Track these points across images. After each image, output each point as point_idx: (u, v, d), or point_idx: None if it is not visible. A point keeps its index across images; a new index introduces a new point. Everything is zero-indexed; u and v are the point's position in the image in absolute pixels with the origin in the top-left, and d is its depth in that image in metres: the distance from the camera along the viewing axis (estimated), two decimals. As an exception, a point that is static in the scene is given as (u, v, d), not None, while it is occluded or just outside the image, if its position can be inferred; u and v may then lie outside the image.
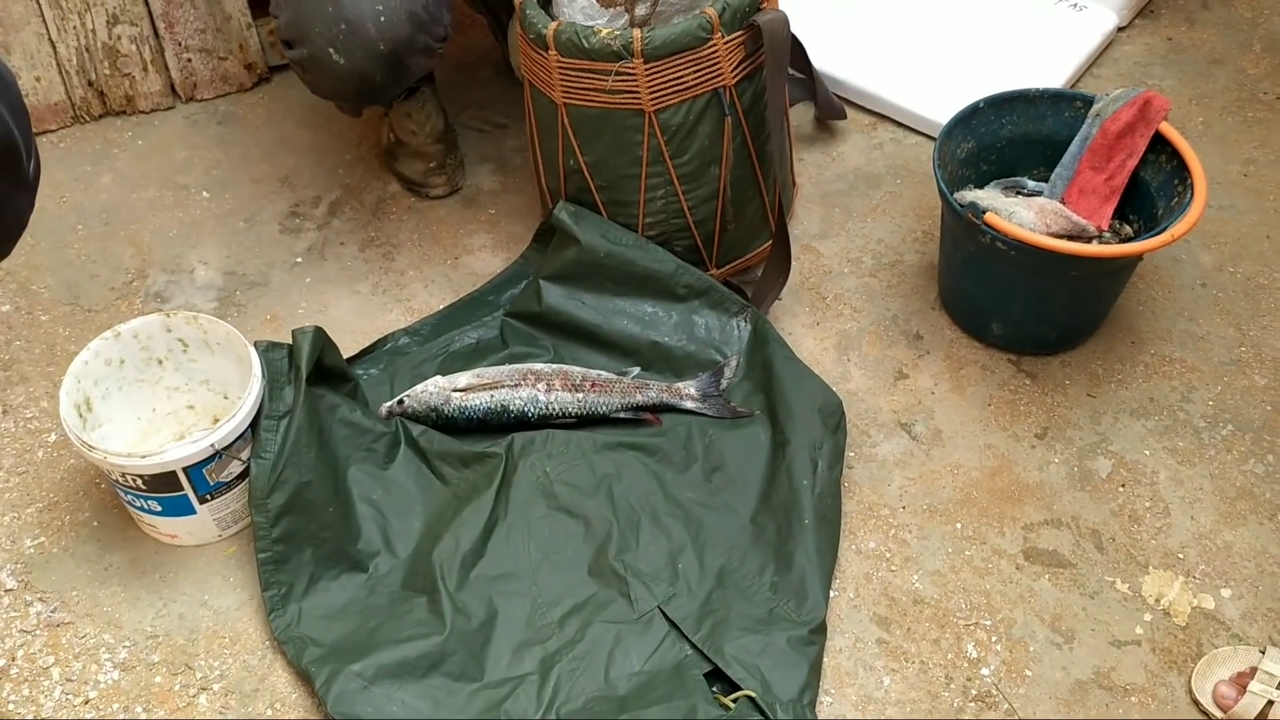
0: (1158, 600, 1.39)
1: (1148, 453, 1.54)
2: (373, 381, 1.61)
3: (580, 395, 1.54)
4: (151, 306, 1.72)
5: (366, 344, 1.66)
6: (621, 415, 1.55)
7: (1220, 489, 1.49)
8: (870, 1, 2.12)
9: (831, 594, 1.40)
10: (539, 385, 1.53)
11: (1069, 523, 1.47)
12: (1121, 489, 1.50)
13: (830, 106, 1.93)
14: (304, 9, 1.52)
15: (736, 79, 1.53)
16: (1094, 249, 1.48)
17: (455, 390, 1.53)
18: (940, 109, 1.89)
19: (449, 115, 1.85)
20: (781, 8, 1.59)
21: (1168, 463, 1.52)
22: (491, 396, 1.53)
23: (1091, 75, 2.06)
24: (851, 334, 1.69)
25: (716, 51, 1.49)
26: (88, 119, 1.99)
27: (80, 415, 1.38)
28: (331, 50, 1.52)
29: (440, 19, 1.57)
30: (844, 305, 1.72)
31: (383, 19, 1.51)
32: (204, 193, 1.88)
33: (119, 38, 1.92)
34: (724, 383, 1.58)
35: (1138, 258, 1.56)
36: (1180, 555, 1.43)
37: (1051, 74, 1.98)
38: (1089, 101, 1.62)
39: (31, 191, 0.91)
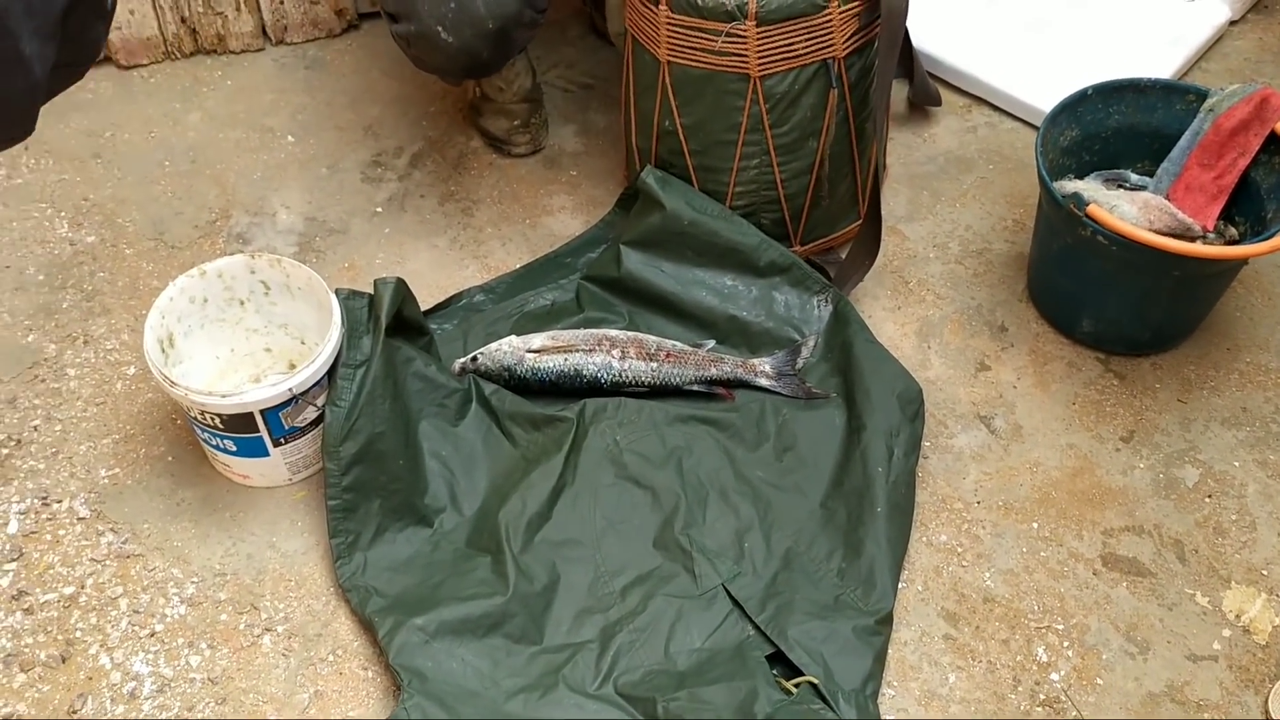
0: (1238, 616, 1.35)
1: (1237, 464, 1.49)
2: (446, 337, 1.61)
3: (654, 365, 1.52)
4: (233, 247, 1.72)
5: (442, 299, 1.65)
6: (695, 388, 1.53)
7: (1311, 507, 1.45)
8: (974, -20, 2.06)
9: (900, 585, 1.37)
10: (614, 352, 1.52)
11: (1151, 531, 1.42)
12: (1208, 499, 1.45)
13: (926, 92, 1.88)
14: None
15: (847, 51, 1.49)
16: (1199, 249, 1.42)
17: (529, 351, 1.52)
18: (1040, 95, 1.84)
19: (537, 73, 1.83)
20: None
21: (1257, 475, 1.47)
22: (565, 360, 1.51)
23: (1200, 69, 1.99)
24: (934, 321, 1.65)
25: (831, 21, 1.45)
26: (179, 56, 1.99)
27: (163, 350, 1.38)
28: (440, 28, 1.50)
29: None
30: (927, 291, 1.68)
31: None
32: (289, 137, 1.88)
33: (214, -24, 1.92)
34: (800, 362, 1.55)
35: (1242, 262, 1.50)
36: (1264, 572, 1.39)
37: (1158, 65, 1.91)
38: (1202, 95, 1.56)
39: (108, 20, 1.01)
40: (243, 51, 2.01)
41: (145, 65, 1.98)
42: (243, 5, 1.96)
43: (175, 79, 1.97)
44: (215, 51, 2.00)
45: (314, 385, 1.35)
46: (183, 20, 1.96)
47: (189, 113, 1.92)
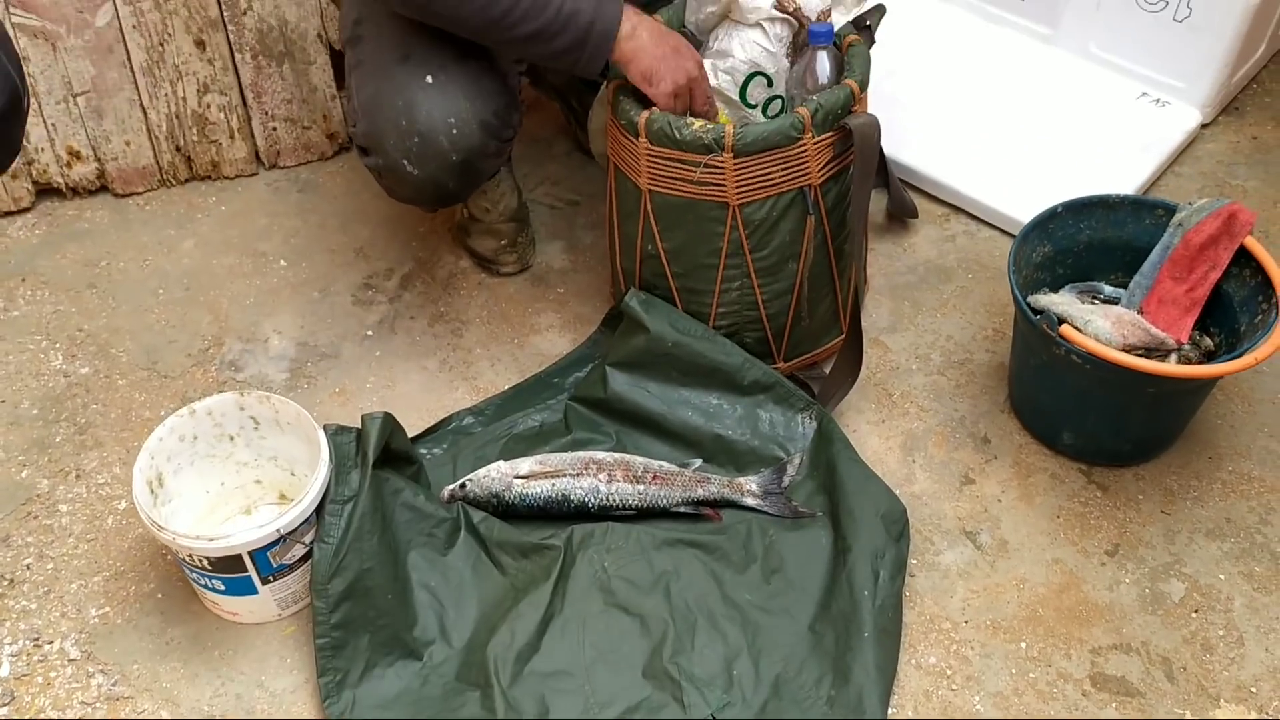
0: (1229, 736, 1.35)
1: (1223, 577, 1.49)
2: (436, 462, 1.62)
3: (641, 487, 1.53)
4: (226, 375, 1.75)
5: (432, 421, 1.67)
6: (682, 509, 1.54)
7: (1298, 619, 1.45)
8: (947, 91, 2.11)
9: (890, 710, 1.37)
10: (600, 475, 1.53)
11: (1139, 648, 1.43)
12: (1194, 614, 1.46)
13: (903, 204, 1.92)
14: (378, 121, 1.54)
15: (823, 179, 1.53)
16: (1172, 369, 1.45)
17: (517, 476, 1.53)
18: (1017, 203, 1.88)
19: (522, 192, 1.87)
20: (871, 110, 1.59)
21: (1243, 588, 1.48)
22: (553, 485, 1.53)
23: (1173, 173, 2.03)
24: (918, 434, 1.66)
25: (806, 151, 1.49)
26: (174, 183, 2.04)
27: (152, 492, 1.40)
28: (405, 162, 1.54)
29: (509, 121, 1.60)
30: (910, 403, 1.70)
31: (455, 131, 1.53)
32: (282, 261, 1.92)
33: (208, 106, 1.98)
34: (786, 480, 1.56)
35: (1218, 377, 1.52)
36: (1253, 689, 1.39)
37: (1132, 171, 1.96)
38: (1171, 210, 1.60)
39: (25, 120, 1.12)
40: (236, 177, 2.06)
41: (141, 193, 2.02)
42: (236, 133, 2.01)
43: (170, 206, 2.01)
44: (210, 178, 2.05)
45: (302, 524, 1.36)
46: (178, 149, 2.01)
47: (184, 240, 1.96)
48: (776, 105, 1.60)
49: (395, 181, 1.60)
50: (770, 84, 1.58)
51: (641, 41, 1.48)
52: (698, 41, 1.63)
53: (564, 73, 1.45)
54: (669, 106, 1.50)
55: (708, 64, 1.57)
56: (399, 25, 1.55)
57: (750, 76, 1.56)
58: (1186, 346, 1.56)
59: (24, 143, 1.12)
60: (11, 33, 1.82)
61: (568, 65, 1.49)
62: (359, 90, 1.59)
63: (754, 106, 1.56)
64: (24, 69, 1.09)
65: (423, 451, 1.62)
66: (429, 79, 1.52)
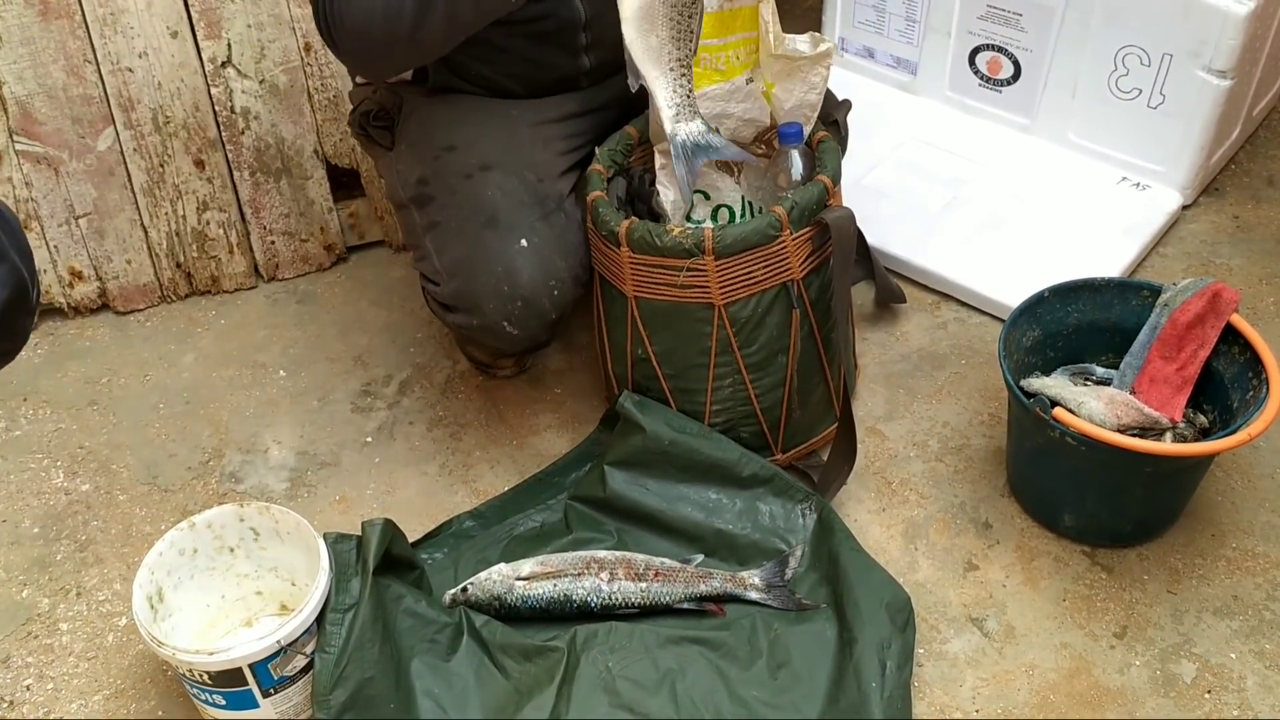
0: (1252, 821, 1.32)
1: (1234, 655, 1.48)
2: (437, 566, 1.62)
3: (644, 585, 1.53)
4: (226, 487, 1.75)
5: (432, 525, 1.67)
6: (685, 605, 1.53)
7: (1313, 697, 1.43)
8: (932, 183, 2.15)
9: (903, 805, 1.34)
10: (602, 574, 1.53)
11: (1153, 732, 1.41)
12: (1207, 695, 1.44)
13: (889, 290, 1.95)
14: (476, 285, 1.57)
15: (804, 272, 1.56)
16: (1167, 448, 1.45)
17: (519, 579, 1.53)
18: (1005, 289, 1.90)
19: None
20: (845, 193, 1.63)
21: (1255, 667, 1.46)
22: (555, 585, 1.52)
23: (1158, 254, 2.06)
24: (919, 521, 1.66)
25: (785, 247, 1.52)
26: (174, 299, 2.07)
27: (152, 607, 1.40)
28: (506, 324, 1.58)
29: (589, 265, 1.65)
30: (910, 491, 1.70)
31: (555, 291, 1.58)
32: (281, 371, 1.94)
33: (208, 223, 2.02)
34: (789, 573, 1.56)
35: (1214, 454, 1.53)
36: (1273, 770, 1.36)
37: (1116, 254, 1.99)
38: (1156, 291, 1.62)
39: (34, 315, 1.12)
40: (236, 290, 2.09)
41: (142, 310, 2.05)
42: (235, 248, 2.05)
43: (171, 321, 2.04)
44: (209, 292, 2.08)
45: (303, 634, 1.36)
46: (178, 265, 2.05)
47: (184, 354, 1.98)
48: (725, 214, 1.64)
49: (489, 337, 1.63)
50: (708, 197, 1.62)
51: None
52: None
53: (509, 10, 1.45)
54: None
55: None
56: (472, 185, 1.60)
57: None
58: (1181, 425, 1.57)
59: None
60: (15, 160, 1.87)
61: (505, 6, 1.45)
62: (441, 253, 1.62)
63: (700, 223, 1.59)
64: (34, 262, 1.11)
65: (424, 556, 1.62)
66: (523, 243, 1.57)
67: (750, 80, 1.60)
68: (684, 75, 1.31)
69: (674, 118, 1.33)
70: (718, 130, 1.45)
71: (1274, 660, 1.47)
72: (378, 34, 1.44)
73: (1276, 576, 1.56)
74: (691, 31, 1.30)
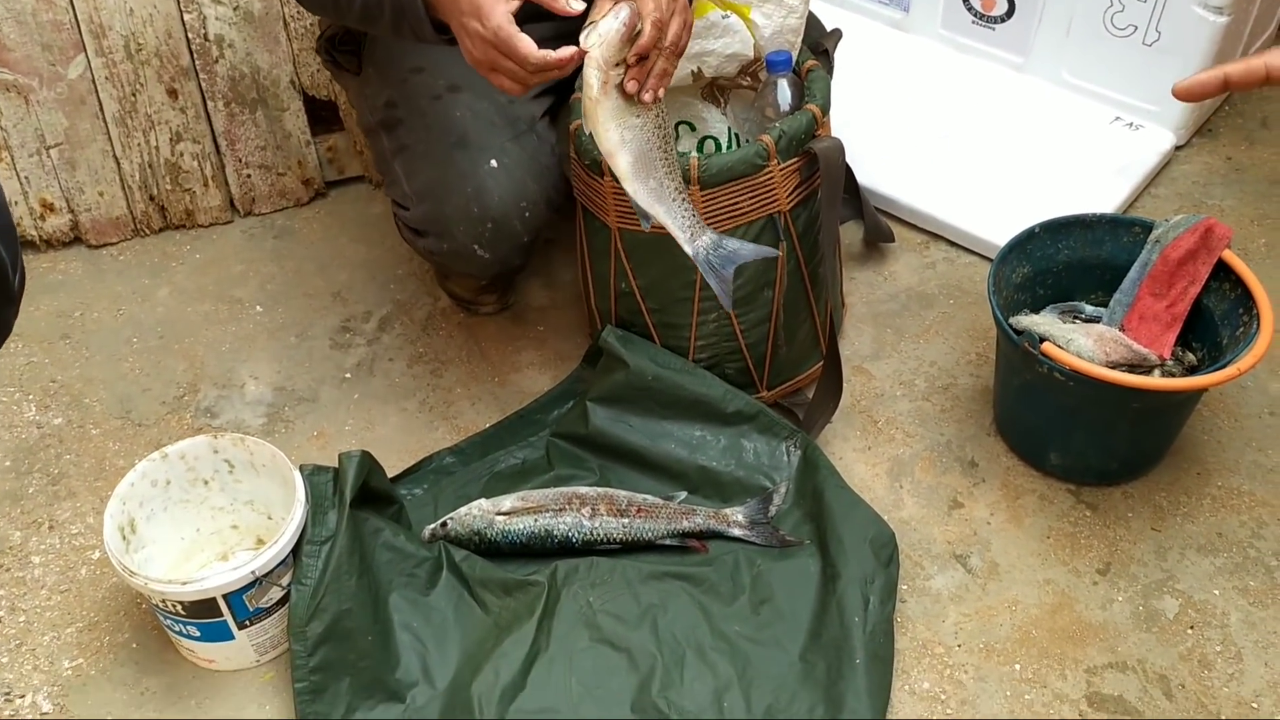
0: (1232, 754, 1.32)
1: (1217, 592, 1.47)
2: (417, 502, 1.60)
3: (625, 521, 1.51)
4: (201, 422, 1.72)
5: (412, 462, 1.65)
6: (668, 542, 1.52)
7: (1296, 633, 1.43)
8: (922, 121, 2.12)
9: (884, 738, 1.34)
10: (584, 510, 1.51)
11: (1135, 666, 1.40)
12: (1190, 631, 1.43)
13: (878, 229, 1.92)
14: (445, 208, 1.54)
15: (791, 204, 1.53)
16: (1155, 382, 1.44)
17: (499, 513, 1.51)
18: (995, 228, 1.87)
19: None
20: (835, 132, 1.59)
21: (1239, 603, 1.46)
22: (535, 521, 1.50)
23: (1150, 195, 2.04)
24: (904, 460, 1.65)
25: (772, 178, 1.49)
26: (148, 233, 2.03)
27: (124, 538, 1.37)
28: (476, 246, 1.55)
29: (564, 191, 1.61)
30: (896, 429, 1.69)
31: (527, 214, 1.55)
32: (257, 307, 1.90)
33: (181, 154, 1.97)
34: (773, 510, 1.54)
35: (1202, 390, 1.51)
36: (1254, 705, 1.36)
37: (1108, 194, 1.96)
38: (1148, 227, 1.60)
39: (16, 303, 1.01)
40: (211, 225, 2.05)
41: (115, 244, 2.01)
42: (210, 181, 2.01)
43: (144, 255, 2.00)
44: (184, 226, 2.04)
45: (278, 565, 1.34)
46: (151, 198, 2.00)
47: (158, 288, 1.94)
48: (711, 145, 1.60)
49: (460, 262, 1.60)
50: (694, 128, 1.59)
51: None
52: None
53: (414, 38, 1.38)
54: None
55: None
56: (441, 106, 1.56)
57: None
58: (1169, 362, 1.55)
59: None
60: None
61: (405, 33, 1.39)
62: (410, 176, 1.59)
63: (686, 154, 1.55)
64: (19, 250, 1.00)
65: (403, 492, 1.60)
66: (493, 163, 1.53)
67: (725, 16, 1.55)
68: (685, 198, 1.36)
69: (689, 240, 1.37)
70: (727, 235, 1.45)
71: (1257, 597, 1.46)
72: None
73: (1261, 514, 1.55)
74: (675, 157, 1.35)
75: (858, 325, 1.84)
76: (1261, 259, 1.90)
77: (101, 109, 1.90)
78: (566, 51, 1.25)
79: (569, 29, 1.37)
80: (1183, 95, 1.18)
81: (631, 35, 1.27)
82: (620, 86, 1.28)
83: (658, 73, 1.30)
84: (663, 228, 1.36)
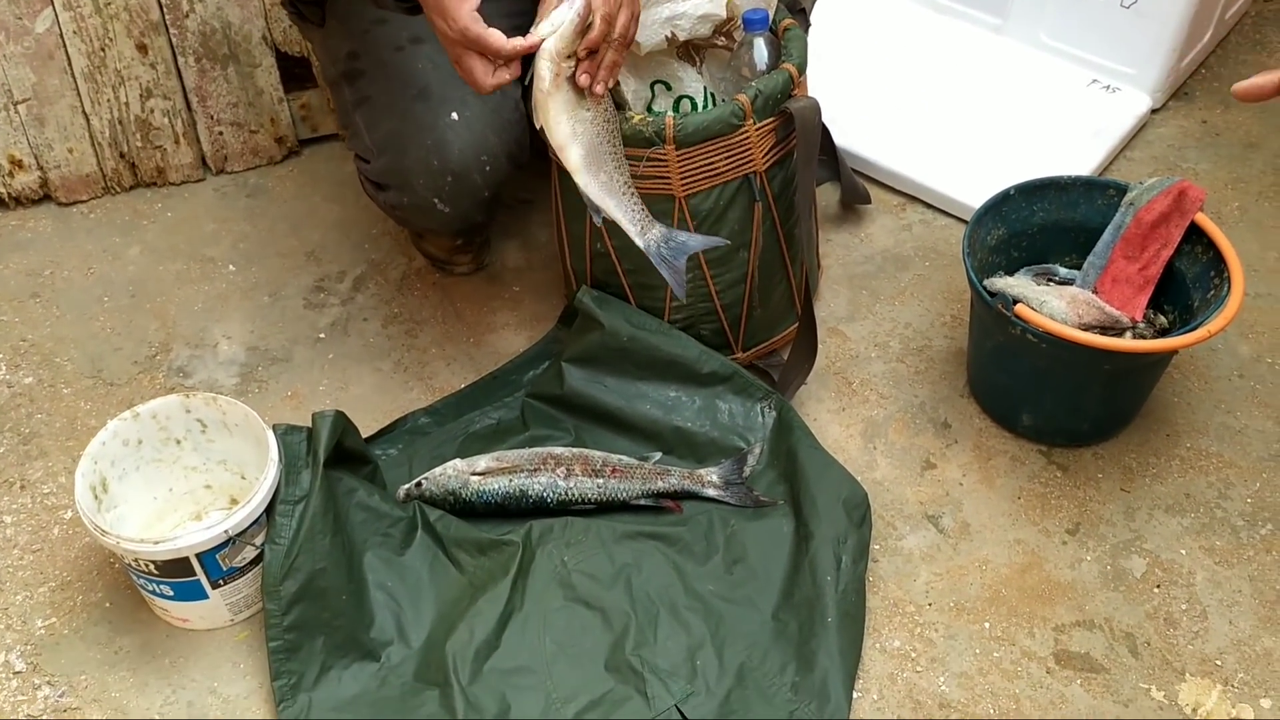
0: (1195, 710, 1.34)
1: (1184, 552, 1.49)
2: (391, 462, 1.60)
3: (600, 481, 1.51)
4: (174, 381, 1.71)
5: (387, 423, 1.64)
6: (642, 502, 1.52)
7: (1260, 592, 1.45)
8: (899, 82, 2.11)
9: (855, 695, 1.35)
10: (558, 470, 1.51)
11: (1102, 624, 1.42)
12: (1156, 590, 1.45)
13: (855, 191, 1.91)
14: (405, 160, 1.53)
15: (767, 165, 1.52)
16: (1126, 344, 1.45)
17: (474, 474, 1.51)
18: (971, 191, 1.88)
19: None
20: (812, 93, 1.59)
21: (1205, 563, 1.48)
22: (510, 481, 1.51)
23: (1125, 158, 2.04)
24: (878, 421, 1.65)
25: (748, 138, 1.48)
26: (118, 190, 2.01)
27: (96, 497, 1.37)
28: (437, 200, 1.53)
29: (527, 146, 1.60)
30: (870, 391, 1.69)
31: (488, 168, 1.53)
32: (230, 266, 1.89)
33: (152, 111, 1.94)
34: (747, 470, 1.55)
35: (1172, 351, 1.52)
36: (1218, 662, 1.38)
37: (1084, 157, 1.96)
38: (1122, 190, 1.60)
39: None
40: (183, 183, 2.02)
41: (85, 201, 1.99)
42: (181, 138, 1.98)
43: (115, 213, 1.98)
44: (155, 184, 2.02)
45: (251, 525, 1.33)
46: (121, 155, 1.97)
47: (129, 247, 1.92)
48: (687, 105, 1.59)
49: (422, 219, 1.59)
50: (670, 88, 1.58)
51: None
52: None
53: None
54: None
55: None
56: (403, 58, 1.54)
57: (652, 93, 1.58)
58: (1141, 324, 1.57)
59: None
60: None
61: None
62: (372, 128, 1.57)
63: (661, 113, 1.54)
64: None
65: (378, 452, 1.60)
66: (454, 116, 1.51)
67: None
68: (634, 192, 1.40)
69: (640, 233, 1.41)
70: (674, 225, 1.49)
71: (1223, 556, 1.48)
72: None
73: (1228, 475, 1.57)
74: (623, 151, 1.39)
75: (833, 287, 1.84)
76: (1235, 222, 1.91)
77: (70, 64, 1.87)
78: (523, 41, 1.28)
79: (520, 9, 1.37)
80: (1242, 97, 1.19)
81: (584, 27, 1.28)
82: (571, 79, 1.31)
83: (608, 65, 1.33)
84: (614, 221, 1.40)
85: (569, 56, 1.30)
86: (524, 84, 1.36)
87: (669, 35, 1.51)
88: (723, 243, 1.49)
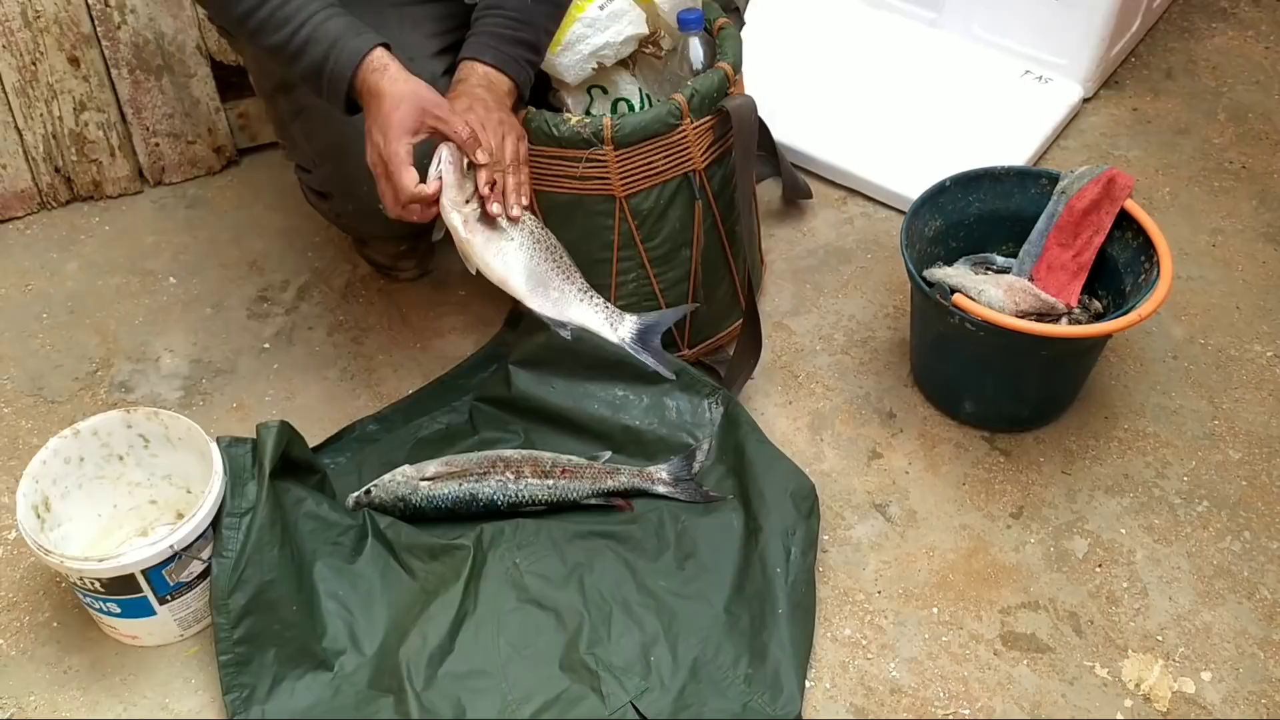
0: (1138, 685, 1.37)
1: (1124, 531, 1.52)
2: (340, 470, 1.59)
3: (550, 482, 1.52)
4: (116, 397, 1.69)
5: (335, 431, 1.64)
6: (593, 501, 1.53)
7: (1198, 568, 1.48)
8: (837, 77, 2.14)
9: (807, 684, 1.37)
10: (508, 473, 1.51)
11: (1046, 605, 1.45)
12: (1098, 569, 1.48)
13: (796, 186, 1.93)
14: (347, 167, 1.51)
15: (706, 163, 1.54)
16: (1061, 330, 1.48)
17: (423, 479, 1.51)
18: (909, 182, 1.90)
19: (418, 197, 1.85)
20: (748, 90, 1.60)
21: (1144, 541, 1.51)
22: (460, 485, 1.51)
23: (1059, 146, 2.08)
24: (824, 413, 1.67)
25: (686, 136, 1.49)
26: (54, 205, 1.98)
27: (38, 516, 1.35)
28: (381, 205, 1.51)
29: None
30: (816, 384, 1.71)
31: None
32: (171, 279, 1.87)
33: (86, 124, 1.92)
34: (696, 466, 1.56)
35: (1107, 335, 1.56)
36: (1159, 637, 1.42)
37: (1018, 146, 2.00)
38: (1054, 179, 1.63)
39: None
40: (120, 196, 2.00)
41: (20, 218, 1.96)
42: (117, 151, 1.96)
43: (52, 229, 1.95)
44: (92, 198, 1.99)
45: (197, 539, 1.32)
46: (56, 170, 1.95)
47: (67, 262, 1.90)
48: (624, 107, 1.60)
49: (366, 223, 1.59)
50: (606, 91, 1.59)
51: (384, 86, 1.32)
52: None
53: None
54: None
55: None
56: None
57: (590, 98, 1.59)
58: (1076, 310, 1.60)
59: None
60: None
61: (319, 95, 1.38)
62: (311, 137, 1.57)
63: (599, 115, 1.54)
64: None
65: (326, 461, 1.59)
66: None
67: (602, 7, 1.53)
68: (591, 294, 1.38)
69: (612, 330, 1.39)
70: (642, 310, 1.47)
71: (1162, 534, 1.52)
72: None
73: (1165, 455, 1.60)
74: (568, 259, 1.37)
75: (777, 282, 1.86)
76: (1166, 207, 1.95)
77: (0, 79, 1.85)
78: (426, 189, 1.30)
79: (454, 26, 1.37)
80: None
81: (463, 169, 1.30)
82: (484, 217, 1.32)
83: (513, 188, 1.34)
84: (582, 328, 1.37)
85: (468, 201, 1.31)
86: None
87: (595, 67, 1.52)
88: (691, 308, 1.51)
